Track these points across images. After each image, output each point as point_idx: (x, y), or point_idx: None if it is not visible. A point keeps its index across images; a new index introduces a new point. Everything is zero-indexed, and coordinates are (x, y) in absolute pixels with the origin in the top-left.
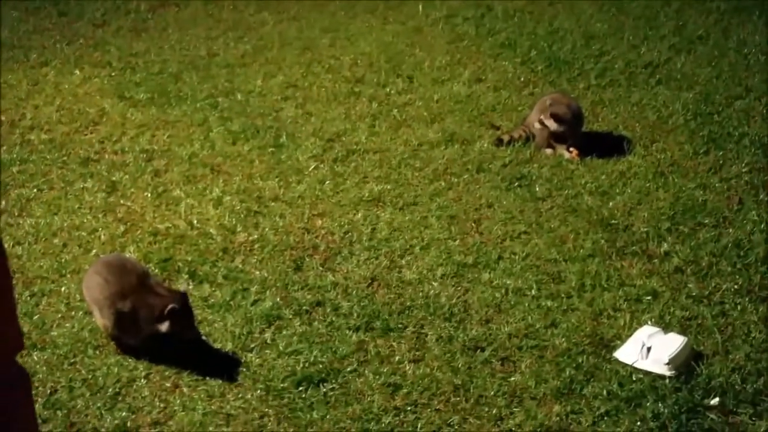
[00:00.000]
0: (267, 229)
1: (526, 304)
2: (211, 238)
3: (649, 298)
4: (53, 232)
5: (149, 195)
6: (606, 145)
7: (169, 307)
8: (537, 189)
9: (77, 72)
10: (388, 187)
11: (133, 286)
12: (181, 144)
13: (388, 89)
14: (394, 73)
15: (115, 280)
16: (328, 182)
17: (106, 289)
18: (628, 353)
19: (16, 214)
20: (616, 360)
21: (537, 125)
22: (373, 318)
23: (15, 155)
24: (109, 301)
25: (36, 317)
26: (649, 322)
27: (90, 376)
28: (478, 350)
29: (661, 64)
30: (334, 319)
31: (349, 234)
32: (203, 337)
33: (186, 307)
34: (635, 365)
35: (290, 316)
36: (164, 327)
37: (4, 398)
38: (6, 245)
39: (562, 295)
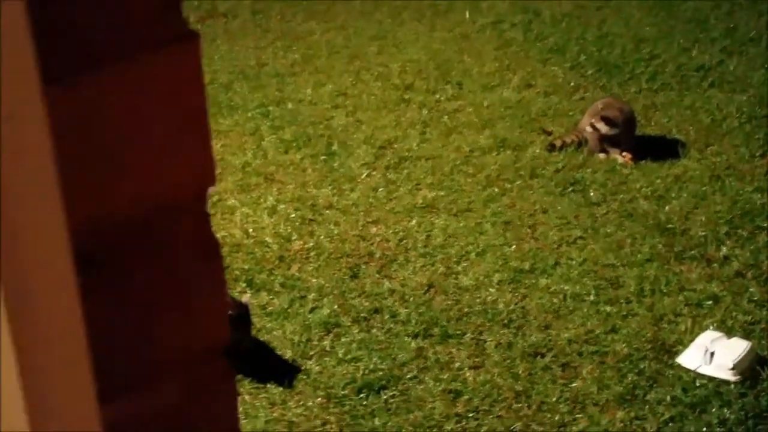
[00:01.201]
0: (322, 237)
1: (585, 310)
2: (267, 246)
3: (710, 302)
4: None
5: None
6: (660, 149)
7: (230, 314)
8: (591, 194)
9: None
10: (442, 193)
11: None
12: (234, 153)
13: (437, 96)
14: (443, 79)
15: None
16: (381, 189)
17: None
18: (691, 358)
19: None
20: (679, 365)
21: (589, 129)
22: (431, 325)
23: None
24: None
25: None
26: (712, 327)
27: None
28: (539, 356)
29: (713, 67)
30: (392, 326)
31: (404, 241)
32: (264, 344)
33: (244, 317)
34: (699, 371)
35: (348, 324)
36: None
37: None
38: None
39: (621, 301)
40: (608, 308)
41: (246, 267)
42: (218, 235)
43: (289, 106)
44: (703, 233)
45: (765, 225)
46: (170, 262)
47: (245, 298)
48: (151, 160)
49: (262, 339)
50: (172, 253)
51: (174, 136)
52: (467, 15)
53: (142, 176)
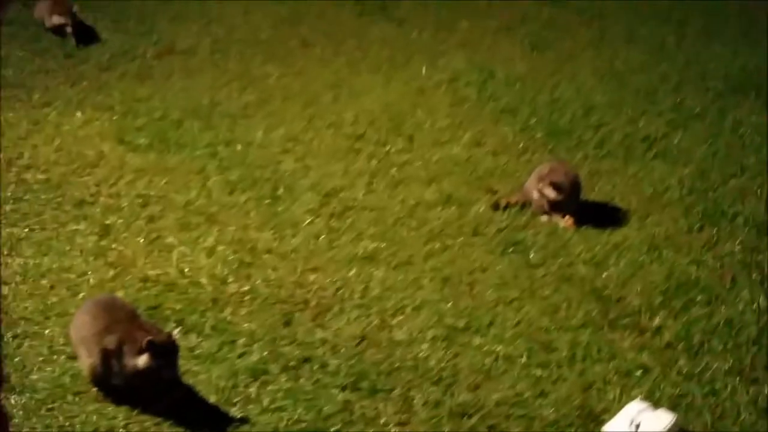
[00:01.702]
0: (259, 282)
1: (516, 372)
2: (201, 287)
3: (639, 372)
4: (41, 273)
5: (142, 240)
6: (601, 216)
7: (147, 338)
8: (531, 255)
9: (79, 114)
10: (383, 245)
11: (121, 322)
12: (177, 191)
13: (388, 147)
14: (395, 132)
15: (103, 317)
16: (323, 237)
17: (93, 326)
18: (617, 428)
19: (6, 253)
20: None
21: (536, 194)
22: (360, 378)
23: (9, 194)
24: (96, 337)
25: (17, 359)
26: (639, 398)
27: (67, 423)
28: (466, 416)
29: (659, 139)
30: (321, 376)
31: (342, 290)
32: (187, 387)
33: (168, 346)
34: None
35: (277, 372)
36: (142, 361)
37: None
38: None
39: (553, 365)
40: (539, 372)
41: (178, 307)
42: (153, 273)
43: (239, 147)
44: (638, 302)
45: (699, 298)
46: None
47: (174, 332)
48: None
49: (187, 382)
50: None
51: None
52: (424, 70)
53: None
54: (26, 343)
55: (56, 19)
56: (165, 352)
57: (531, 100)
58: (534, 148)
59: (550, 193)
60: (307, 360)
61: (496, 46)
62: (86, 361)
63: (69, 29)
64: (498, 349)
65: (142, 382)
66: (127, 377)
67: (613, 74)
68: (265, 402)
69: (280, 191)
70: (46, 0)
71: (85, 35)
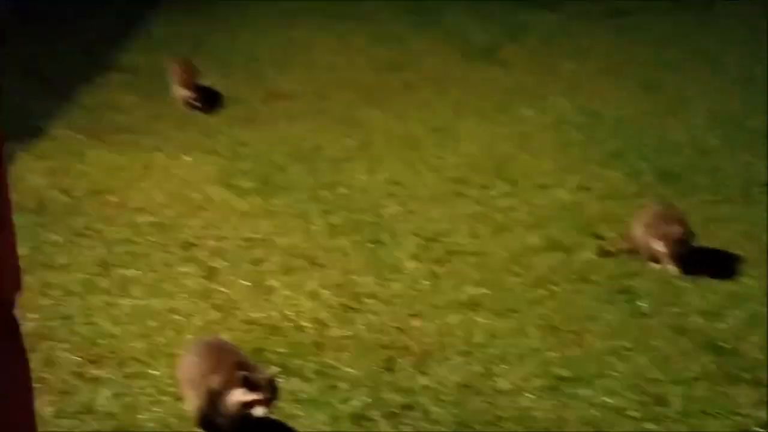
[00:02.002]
0: (361, 326)
1: (626, 426)
2: (304, 331)
3: (759, 429)
4: (150, 314)
5: (246, 283)
6: (717, 264)
7: (242, 374)
8: (642, 304)
9: (187, 158)
10: (487, 291)
11: (226, 363)
12: (281, 234)
13: (491, 192)
14: (499, 176)
15: (210, 358)
16: (425, 282)
17: (200, 367)
18: None
19: (116, 294)
20: None
21: (646, 240)
22: (463, 426)
23: (121, 236)
24: (203, 378)
25: (126, 399)
26: None
27: None
28: None
29: None
30: (423, 424)
31: (444, 337)
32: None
33: (262, 383)
34: None
35: (378, 418)
36: (236, 396)
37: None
38: (103, 324)
39: (666, 419)
40: (651, 426)
41: (281, 351)
42: (256, 316)
43: (341, 191)
44: (758, 355)
45: None
46: None
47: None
48: None
49: (289, 427)
50: None
51: None
52: (528, 113)
53: None
54: (135, 383)
55: (182, 92)
56: (259, 388)
57: (640, 143)
58: (644, 193)
59: (660, 241)
60: (409, 407)
61: (602, 88)
62: (193, 403)
63: (195, 102)
64: (607, 401)
65: (243, 421)
66: (229, 417)
67: (728, 116)
68: None
69: (383, 235)
70: (175, 63)
71: (211, 100)
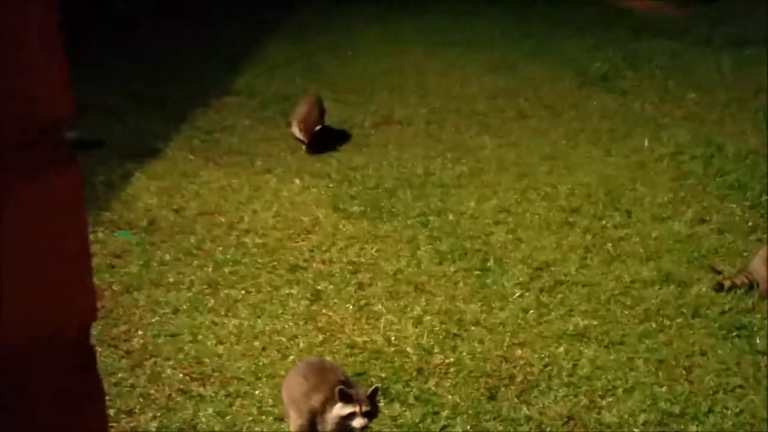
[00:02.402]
0: (464, 354)
1: None
2: (407, 356)
3: None
4: (255, 335)
5: (351, 307)
6: None
7: (339, 388)
8: (758, 341)
9: (297, 181)
10: (595, 322)
11: (328, 383)
12: (387, 259)
13: (604, 222)
14: (612, 206)
15: (313, 378)
16: (532, 311)
17: (304, 386)
18: None
19: (223, 313)
20: None
21: (765, 275)
22: None
23: (229, 256)
24: (305, 398)
25: (228, 418)
26: None
27: None
28: None
29: None
30: None
31: (549, 367)
32: None
33: (359, 397)
34: None
35: None
36: (335, 410)
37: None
38: (209, 343)
39: None
40: None
41: (383, 375)
42: (360, 340)
43: (450, 217)
44: None
45: None
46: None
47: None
48: (24, 293)
49: None
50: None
51: (49, 266)
52: (646, 143)
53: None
54: (237, 402)
55: (297, 133)
56: (358, 401)
57: (763, 176)
58: (765, 227)
59: None
60: None
61: (725, 119)
62: (296, 422)
63: (303, 146)
64: None
65: None
66: None
67: None
68: None
69: (490, 263)
70: (303, 104)
71: (319, 146)
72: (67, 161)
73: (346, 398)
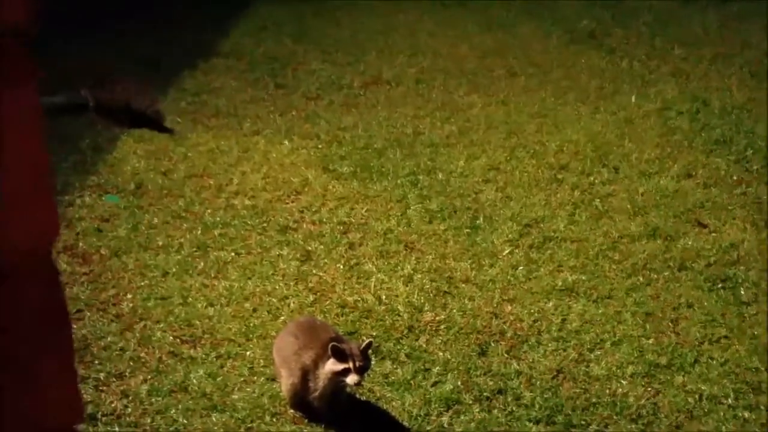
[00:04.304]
0: (455, 311)
1: (722, 413)
2: (398, 315)
3: None
4: (245, 297)
5: (341, 267)
6: None
7: (331, 343)
8: (742, 292)
9: (286, 142)
10: (583, 277)
11: (319, 341)
12: (377, 219)
13: (592, 178)
14: (600, 162)
15: (304, 336)
16: (521, 268)
17: (295, 345)
18: None
19: (213, 275)
20: None
21: None
22: (555, 412)
23: (219, 218)
24: (296, 356)
25: (219, 379)
26: None
27: None
28: None
29: None
30: (514, 408)
31: (538, 322)
32: (379, 413)
33: (357, 353)
34: None
35: (470, 402)
36: (328, 365)
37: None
38: (199, 305)
39: (762, 408)
40: (746, 414)
41: (374, 333)
42: (351, 299)
43: (440, 176)
44: None
45: None
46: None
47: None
48: None
49: (380, 409)
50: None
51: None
52: (633, 99)
53: None
54: (228, 364)
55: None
56: (350, 357)
57: (748, 131)
58: (749, 181)
59: None
60: (501, 391)
61: (711, 74)
62: (287, 381)
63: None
64: (702, 388)
65: (334, 400)
66: (322, 396)
67: None
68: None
69: (480, 221)
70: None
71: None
72: (24, 71)
73: (339, 354)
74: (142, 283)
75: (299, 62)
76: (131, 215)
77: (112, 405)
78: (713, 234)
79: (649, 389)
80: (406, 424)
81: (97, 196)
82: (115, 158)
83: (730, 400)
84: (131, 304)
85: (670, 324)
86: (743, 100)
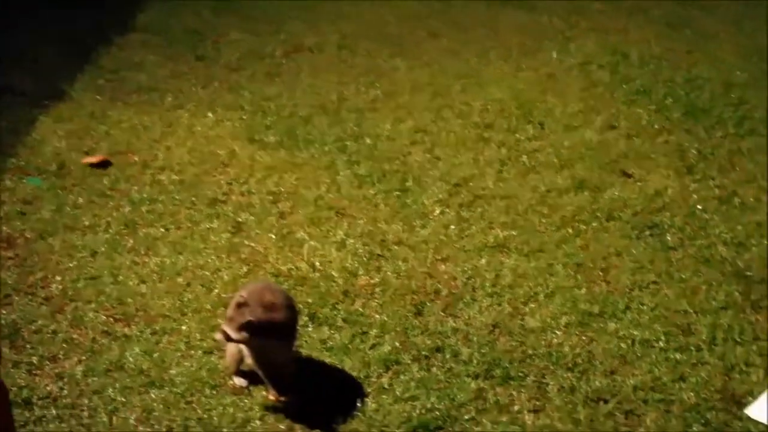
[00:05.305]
0: (389, 273)
1: (654, 357)
2: (332, 280)
3: None
4: (177, 272)
5: (273, 236)
6: (743, 195)
7: (246, 319)
8: (669, 238)
9: (210, 115)
10: (514, 233)
11: (263, 303)
12: (307, 187)
13: (518, 135)
14: (525, 119)
15: (249, 297)
16: (453, 227)
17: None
18: (760, 411)
19: (143, 252)
20: (748, 417)
21: None
22: (493, 366)
23: (146, 195)
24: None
25: (156, 355)
26: None
27: (206, 416)
28: (602, 402)
29: None
30: (453, 365)
31: (472, 280)
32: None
33: (272, 328)
34: None
35: (409, 362)
36: (240, 336)
37: None
38: (131, 283)
39: (692, 348)
40: (678, 356)
41: (310, 300)
42: (284, 268)
43: (367, 141)
44: None
45: None
46: None
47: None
48: None
49: (319, 374)
50: None
51: None
52: (554, 55)
53: None
54: (164, 339)
55: None
56: (266, 334)
57: (667, 80)
58: (670, 129)
59: None
60: (439, 349)
61: (629, 27)
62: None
63: None
64: (634, 333)
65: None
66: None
67: (755, 50)
68: (398, 391)
69: (409, 183)
70: None
71: None
72: None
73: (252, 330)
74: (71, 265)
75: (219, 34)
76: (55, 196)
77: (47, 388)
78: (638, 183)
79: (583, 338)
80: (346, 387)
81: (17, 179)
82: (34, 139)
83: (661, 343)
84: (60, 286)
85: (600, 273)
86: (661, 50)
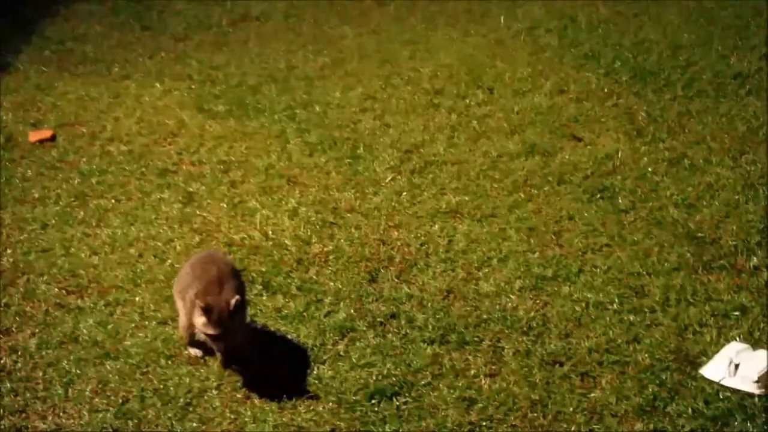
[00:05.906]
0: (342, 241)
1: (608, 319)
2: (285, 249)
3: (737, 313)
4: (129, 243)
5: (225, 206)
6: (693, 157)
7: (203, 304)
8: (620, 201)
9: (158, 85)
10: (466, 198)
11: (208, 276)
12: (258, 155)
13: (467, 101)
14: (475, 84)
15: (199, 270)
16: (405, 194)
17: (189, 278)
18: (714, 370)
19: (94, 224)
20: (702, 377)
21: None
22: (448, 331)
23: (95, 167)
24: (188, 289)
25: (110, 327)
26: (737, 339)
27: (161, 386)
28: (557, 365)
29: (752, 75)
30: (408, 331)
31: (426, 246)
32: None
33: (225, 313)
34: (722, 383)
35: (364, 328)
36: (200, 322)
37: None
38: (83, 255)
39: (645, 310)
40: (631, 317)
41: (263, 269)
42: (237, 237)
43: (317, 109)
44: (734, 243)
45: None
46: None
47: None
48: None
49: (275, 343)
50: None
51: None
52: (502, 21)
53: None
54: (118, 311)
55: None
56: (222, 319)
57: (615, 44)
58: (619, 92)
59: None
60: (393, 316)
61: None
62: (181, 316)
63: None
64: (588, 296)
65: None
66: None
67: (701, 11)
68: (354, 358)
69: (360, 150)
70: None
71: None
72: None
73: (209, 315)
74: (21, 237)
75: (164, 3)
76: (3, 169)
77: (1, 361)
78: (588, 147)
79: (538, 301)
80: (302, 355)
81: None
82: None
83: (615, 306)
84: (11, 259)
85: (553, 237)
86: (609, 14)
